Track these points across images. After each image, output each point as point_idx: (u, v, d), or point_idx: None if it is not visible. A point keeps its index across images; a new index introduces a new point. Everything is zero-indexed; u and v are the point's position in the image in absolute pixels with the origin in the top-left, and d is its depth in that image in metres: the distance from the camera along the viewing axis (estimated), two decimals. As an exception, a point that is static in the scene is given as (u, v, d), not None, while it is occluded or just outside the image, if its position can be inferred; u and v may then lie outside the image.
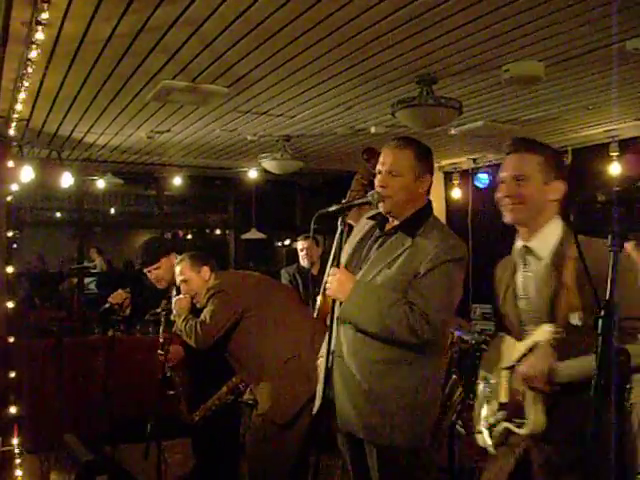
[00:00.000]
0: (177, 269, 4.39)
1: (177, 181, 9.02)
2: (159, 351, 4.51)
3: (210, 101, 5.24)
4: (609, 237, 1.61)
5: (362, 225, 3.23)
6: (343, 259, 3.10)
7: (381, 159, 3.00)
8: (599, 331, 1.55)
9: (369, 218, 3.19)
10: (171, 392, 4.67)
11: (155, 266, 4.82)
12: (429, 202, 3.06)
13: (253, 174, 8.88)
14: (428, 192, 3.05)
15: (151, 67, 4.50)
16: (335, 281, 2.94)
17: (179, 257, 4.46)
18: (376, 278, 2.91)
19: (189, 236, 13.15)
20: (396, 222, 3.00)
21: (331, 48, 4.18)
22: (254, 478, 4.21)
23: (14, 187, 6.62)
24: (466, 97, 5.24)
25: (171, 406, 5.06)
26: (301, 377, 3.90)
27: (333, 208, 3.11)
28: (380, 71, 4.66)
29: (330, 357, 2.95)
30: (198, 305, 4.34)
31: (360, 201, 3.17)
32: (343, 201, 3.35)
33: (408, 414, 2.85)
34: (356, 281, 2.93)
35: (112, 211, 13.16)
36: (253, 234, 10.30)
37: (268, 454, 4.09)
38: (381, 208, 3.00)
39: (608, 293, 1.58)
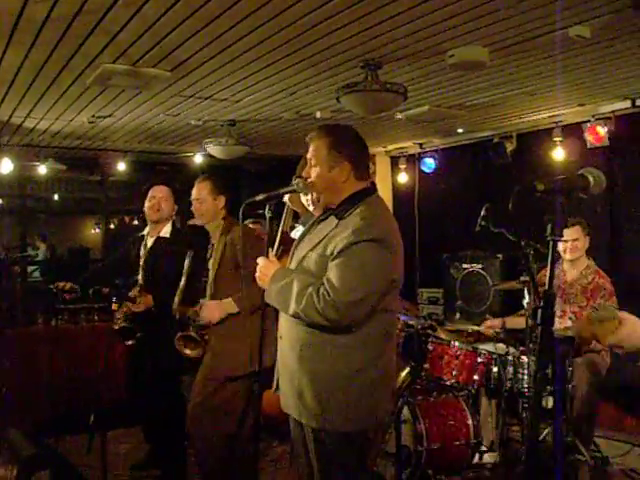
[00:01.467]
0: (196, 187, 4.46)
1: (121, 166, 8.84)
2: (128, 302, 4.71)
3: (152, 85, 5.14)
4: (548, 226, 1.60)
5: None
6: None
7: None
8: (538, 322, 1.53)
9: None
10: (129, 343, 4.77)
11: (167, 192, 5.09)
12: (368, 186, 3.01)
13: (199, 159, 8.77)
14: (366, 177, 3.02)
15: (91, 50, 4.38)
16: (259, 269, 3.03)
17: (203, 176, 4.53)
18: (303, 262, 2.95)
19: (135, 222, 12.95)
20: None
21: (275, 32, 4.12)
22: (195, 444, 4.34)
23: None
24: (411, 82, 5.24)
25: (115, 395, 5.01)
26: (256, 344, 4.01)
27: (259, 197, 3.24)
28: (324, 56, 4.62)
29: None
30: (193, 221, 4.50)
31: (285, 190, 3.25)
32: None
33: (341, 398, 2.84)
34: (276, 268, 2.98)
35: (55, 197, 12.88)
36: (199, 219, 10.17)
37: (207, 415, 4.22)
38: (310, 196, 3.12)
39: (547, 283, 1.57)
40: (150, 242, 5.12)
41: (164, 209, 5.06)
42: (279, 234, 4.51)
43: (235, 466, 4.22)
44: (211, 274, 4.40)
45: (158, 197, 5.06)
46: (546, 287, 1.56)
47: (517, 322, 5.25)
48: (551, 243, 1.60)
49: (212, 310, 4.30)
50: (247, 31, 4.10)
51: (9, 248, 11.55)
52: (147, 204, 5.06)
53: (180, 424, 4.56)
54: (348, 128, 3.09)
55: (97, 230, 14.45)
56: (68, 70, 4.83)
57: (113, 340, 5.13)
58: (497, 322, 5.41)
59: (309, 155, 3.00)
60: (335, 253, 2.79)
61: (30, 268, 10.90)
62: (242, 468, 4.19)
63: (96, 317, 7.16)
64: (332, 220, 2.95)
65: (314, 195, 3.06)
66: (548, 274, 1.59)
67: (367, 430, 2.92)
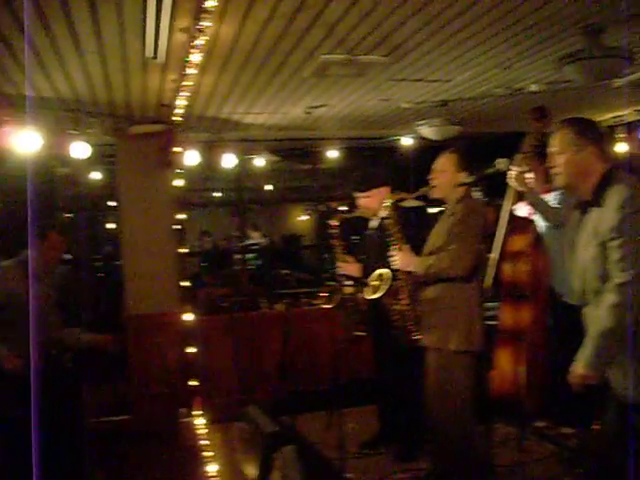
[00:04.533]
0: (440, 158, 4.43)
1: (332, 154, 9.05)
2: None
3: (367, 72, 5.23)
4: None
5: (575, 217, 3.33)
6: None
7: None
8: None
9: (575, 208, 3.32)
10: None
11: (366, 194, 5.28)
12: (610, 170, 3.11)
13: (407, 142, 8.77)
14: (609, 159, 3.16)
15: (310, 43, 4.53)
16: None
17: (450, 149, 4.50)
18: (587, 254, 3.10)
19: (344, 207, 13.24)
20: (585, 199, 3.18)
21: (491, 7, 4.05)
22: (433, 415, 4.35)
23: (181, 171, 6.93)
24: (635, 45, 4.94)
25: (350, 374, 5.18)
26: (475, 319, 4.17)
27: (468, 180, 3.95)
28: (542, 26, 4.46)
29: None
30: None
31: (490, 171, 3.53)
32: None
33: None
34: None
35: (268, 188, 13.41)
36: (410, 202, 10.19)
37: (442, 385, 4.23)
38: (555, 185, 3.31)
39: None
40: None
41: (372, 208, 5.29)
42: (505, 214, 4.46)
43: (464, 445, 4.23)
44: (432, 243, 4.43)
45: (363, 201, 5.34)
46: None
47: None
48: None
49: (405, 257, 4.42)
50: (462, 8, 4.06)
51: (228, 238, 12.27)
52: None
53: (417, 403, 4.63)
54: (584, 118, 3.29)
55: (306, 217, 14.91)
56: (287, 65, 5.03)
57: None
58: None
59: (552, 146, 3.20)
60: (612, 235, 2.94)
61: (248, 255, 11.47)
62: (472, 447, 4.19)
63: (316, 301, 7.37)
64: (592, 210, 3.11)
65: (557, 182, 3.23)
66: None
67: None
